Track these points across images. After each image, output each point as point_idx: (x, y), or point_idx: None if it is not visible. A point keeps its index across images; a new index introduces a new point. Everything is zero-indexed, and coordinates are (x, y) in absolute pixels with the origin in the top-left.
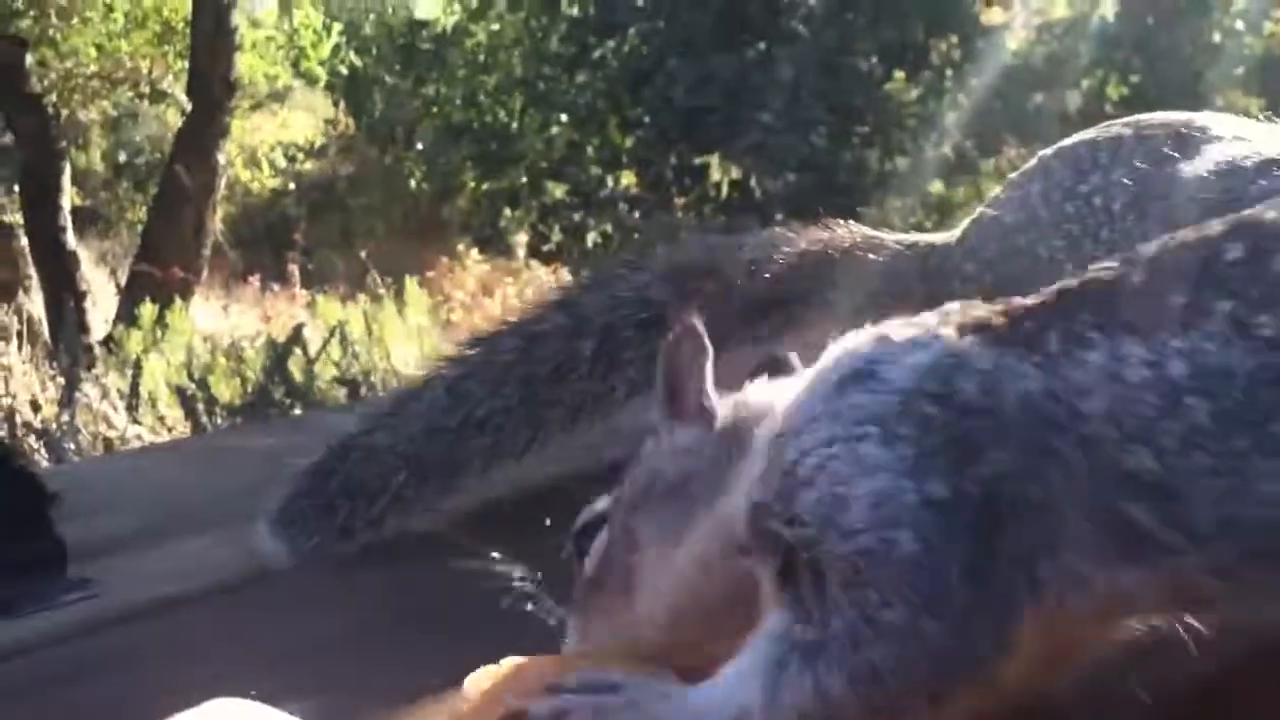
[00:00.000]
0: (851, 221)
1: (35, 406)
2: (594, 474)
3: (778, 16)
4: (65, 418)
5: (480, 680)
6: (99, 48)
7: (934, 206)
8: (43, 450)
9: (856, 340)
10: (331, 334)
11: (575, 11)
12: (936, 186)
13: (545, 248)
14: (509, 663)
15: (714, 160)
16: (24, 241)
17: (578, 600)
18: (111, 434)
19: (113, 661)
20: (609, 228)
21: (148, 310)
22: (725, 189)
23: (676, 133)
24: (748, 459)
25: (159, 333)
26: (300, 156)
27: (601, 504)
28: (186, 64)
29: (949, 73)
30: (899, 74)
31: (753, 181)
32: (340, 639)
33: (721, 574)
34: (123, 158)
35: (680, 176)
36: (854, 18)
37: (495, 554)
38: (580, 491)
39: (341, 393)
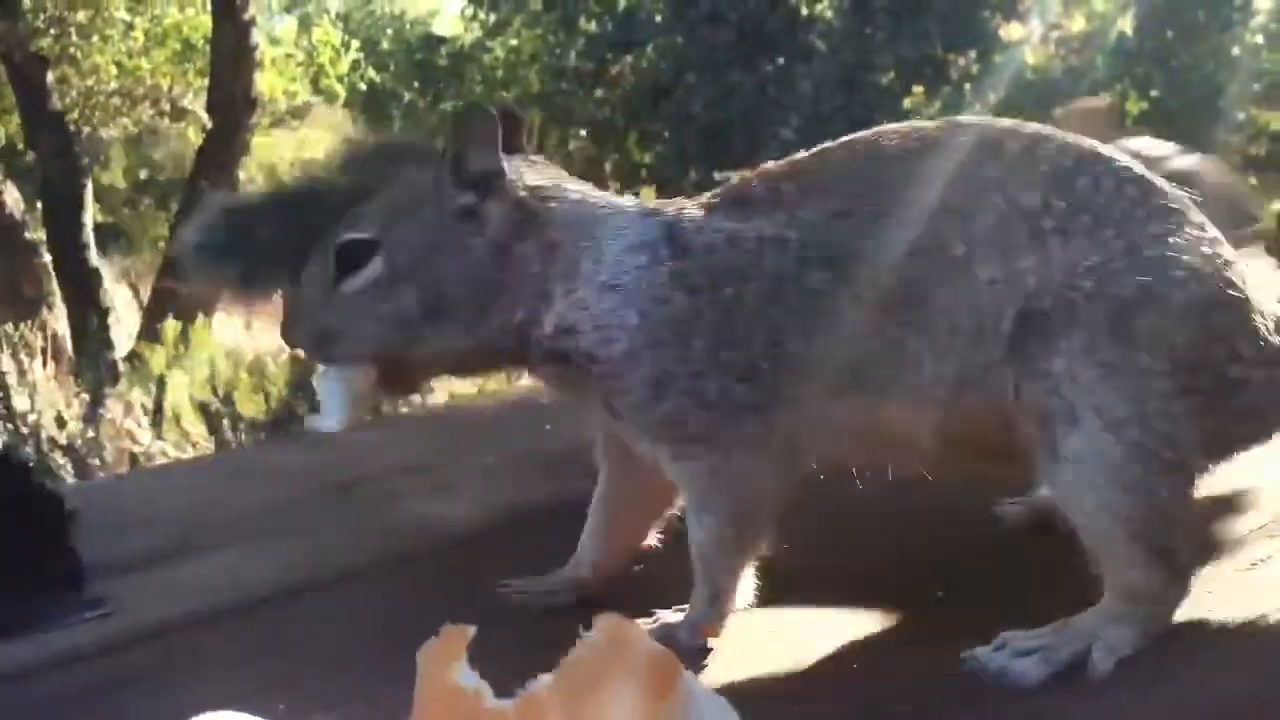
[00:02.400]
0: None
1: (60, 422)
2: (553, 503)
3: (796, 32)
4: (90, 434)
5: (428, 651)
6: (119, 65)
7: None
8: (68, 466)
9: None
10: None
11: (593, 27)
12: None
13: None
14: (448, 630)
15: (734, 175)
16: (47, 258)
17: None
18: (137, 449)
19: (130, 680)
20: None
21: (171, 326)
22: None
23: (696, 148)
24: (554, 260)
25: (182, 349)
26: None
27: (366, 232)
28: (207, 81)
29: (968, 87)
30: (918, 89)
31: None
32: (362, 655)
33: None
34: (144, 174)
35: (700, 191)
36: (873, 33)
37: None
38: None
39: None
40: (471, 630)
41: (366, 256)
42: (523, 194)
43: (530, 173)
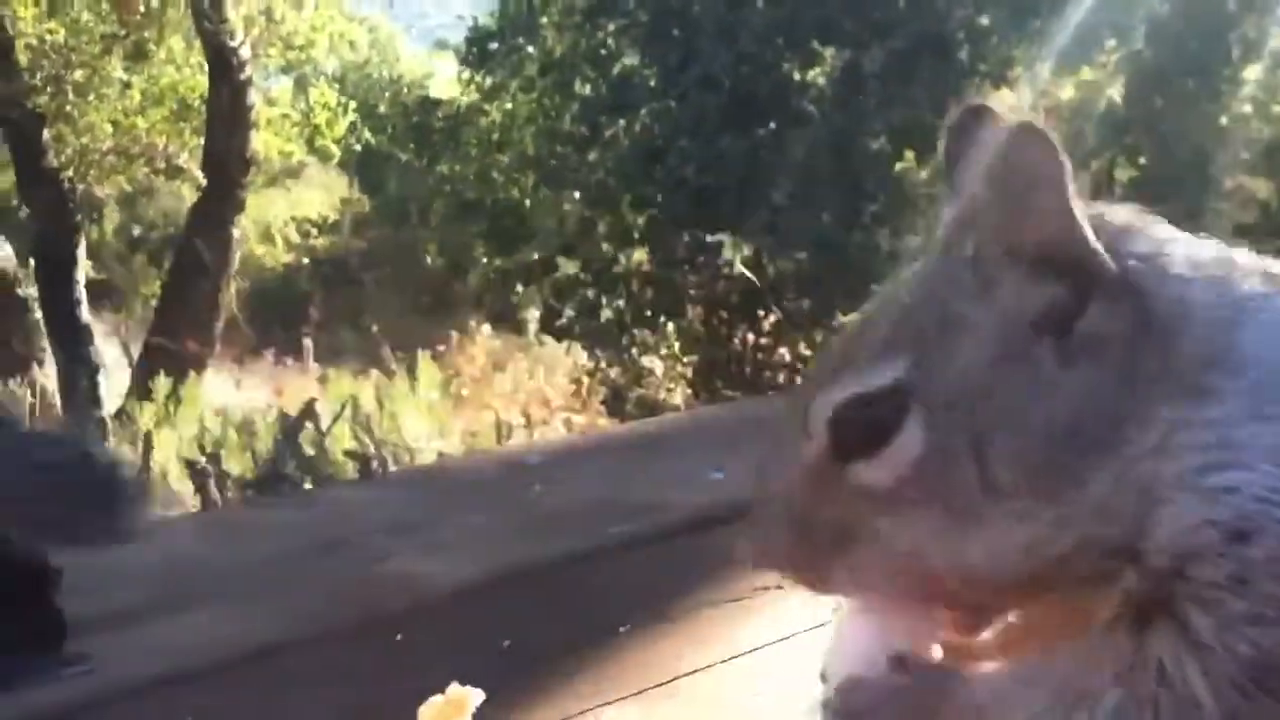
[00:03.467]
0: None
1: None
2: (583, 553)
3: (788, 98)
4: None
5: (430, 708)
6: (115, 124)
7: None
8: None
9: None
10: (343, 408)
11: (588, 91)
12: None
13: (558, 324)
14: (454, 691)
15: (726, 238)
16: (38, 315)
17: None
18: None
19: None
20: (621, 304)
21: (161, 384)
22: (737, 266)
23: (688, 211)
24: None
25: (171, 407)
26: (314, 232)
27: (882, 373)
28: (202, 140)
29: None
30: (909, 154)
31: (764, 259)
32: (344, 715)
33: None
34: (137, 231)
35: (692, 254)
36: (864, 99)
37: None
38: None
39: (352, 467)
40: (480, 695)
41: (890, 415)
42: (1133, 270)
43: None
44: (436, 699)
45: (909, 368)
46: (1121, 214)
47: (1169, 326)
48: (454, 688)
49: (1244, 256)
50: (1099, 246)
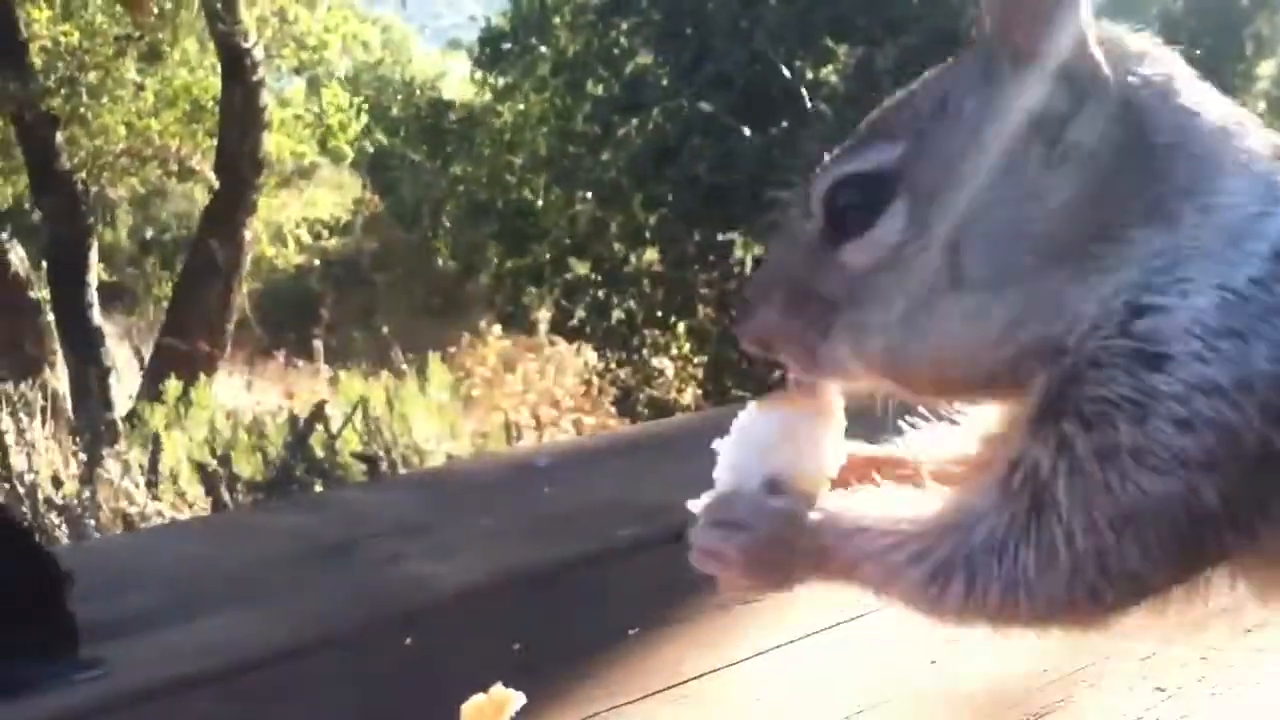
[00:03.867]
0: None
1: (57, 482)
2: (593, 554)
3: (800, 96)
4: (86, 494)
5: (472, 706)
6: (129, 126)
7: None
8: (63, 527)
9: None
10: (354, 410)
11: (600, 91)
12: None
13: (569, 324)
14: (497, 691)
15: (737, 237)
16: (50, 317)
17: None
18: (132, 510)
19: None
20: (633, 305)
21: (172, 386)
22: (749, 266)
23: (700, 210)
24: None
25: (182, 409)
26: (325, 233)
27: (876, 157)
28: (215, 142)
29: None
30: None
31: None
32: (358, 717)
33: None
34: (149, 234)
35: (704, 253)
36: (877, 96)
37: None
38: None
39: (362, 469)
40: (521, 698)
41: (877, 199)
42: (1135, 89)
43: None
44: (479, 698)
45: (901, 155)
46: (1139, 41)
47: (1159, 151)
48: (497, 688)
49: (1257, 126)
50: (1102, 58)
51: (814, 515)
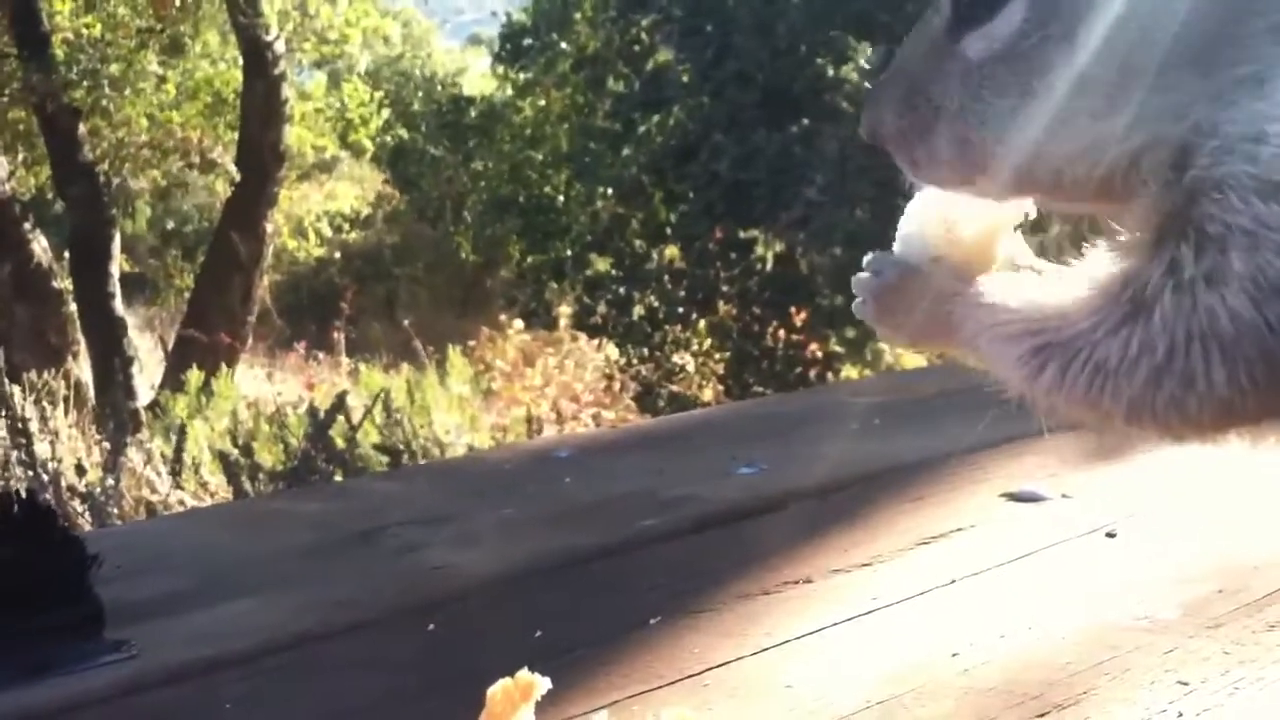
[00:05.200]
0: None
1: (80, 470)
2: (614, 545)
3: (822, 93)
4: (109, 482)
5: (499, 689)
6: (151, 118)
7: None
8: (86, 514)
9: None
10: (374, 402)
11: (621, 88)
12: None
13: (590, 320)
14: (523, 676)
15: (759, 234)
16: (73, 307)
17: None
18: (154, 499)
19: None
20: (653, 301)
21: (194, 376)
22: (770, 263)
23: (721, 207)
24: None
25: (204, 399)
26: (346, 226)
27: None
28: (236, 134)
29: None
30: None
31: (798, 255)
32: (380, 704)
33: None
34: (171, 225)
35: (725, 250)
36: None
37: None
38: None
39: (383, 460)
40: (546, 683)
41: None
42: None
43: None
44: (505, 681)
45: None
46: None
47: None
48: (523, 673)
49: None
50: None
51: (950, 282)
